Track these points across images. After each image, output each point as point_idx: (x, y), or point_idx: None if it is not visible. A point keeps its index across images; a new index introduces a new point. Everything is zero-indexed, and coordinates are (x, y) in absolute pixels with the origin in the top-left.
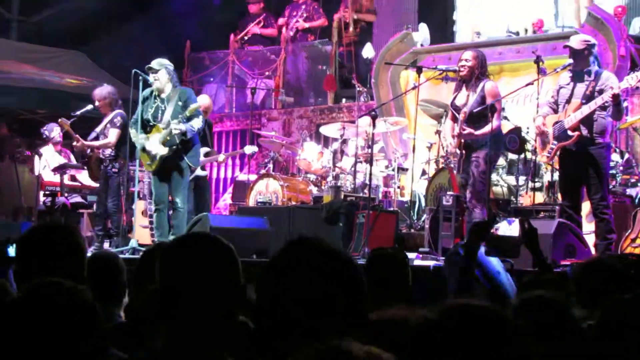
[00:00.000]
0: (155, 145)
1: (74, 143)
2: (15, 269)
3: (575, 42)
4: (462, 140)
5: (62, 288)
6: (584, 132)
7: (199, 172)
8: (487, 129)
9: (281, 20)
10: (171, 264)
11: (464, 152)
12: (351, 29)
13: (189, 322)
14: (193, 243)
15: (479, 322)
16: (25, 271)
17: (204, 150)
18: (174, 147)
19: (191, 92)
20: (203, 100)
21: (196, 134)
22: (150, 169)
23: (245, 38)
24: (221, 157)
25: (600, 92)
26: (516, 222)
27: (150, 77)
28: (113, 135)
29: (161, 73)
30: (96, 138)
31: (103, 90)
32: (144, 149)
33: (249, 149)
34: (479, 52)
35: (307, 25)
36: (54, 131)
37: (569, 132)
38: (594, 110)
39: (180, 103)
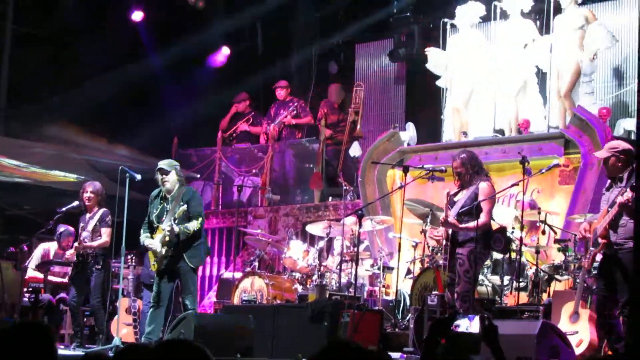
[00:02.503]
0: (156, 245)
1: (75, 244)
2: None
3: (601, 152)
4: (449, 232)
5: None
6: (613, 237)
7: None
8: (471, 224)
9: (265, 121)
10: None
11: (448, 244)
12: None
13: None
14: (173, 351)
15: None
16: None
17: None
18: (173, 247)
19: (193, 191)
20: None
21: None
22: (154, 268)
23: (234, 135)
24: None
25: None
26: (476, 319)
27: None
28: (106, 234)
29: (171, 174)
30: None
31: (96, 186)
32: (147, 249)
33: None
34: (465, 157)
35: (294, 122)
36: (68, 237)
37: (599, 239)
38: (612, 217)
39: (182, 203)
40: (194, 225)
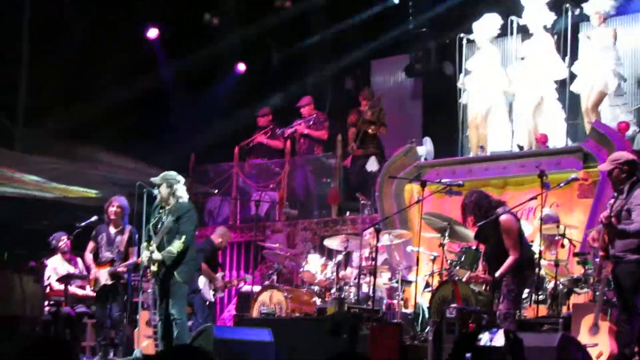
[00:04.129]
0: (147, 257)
1: (111, 268)
2: None
3: (605, 165)
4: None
5: None
6: (612, 251)
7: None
8: (503, 267)
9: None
10: None
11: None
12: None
13: None
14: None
15: None
16: None
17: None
18: (163, 264)
19: (187, 209)
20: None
21: (193, 250)
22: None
23: (250, 145)
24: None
25: (628, 211)
26: (500, 333)
27: (155, 190)
28: (136, 253)
29: (162, 187)
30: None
31: (123, 201)
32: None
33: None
34: (467, 200)
35: (306, 131)
36: (61, 240)
37: (599, 252)
38: (604, 233)
39: (172, 218)
40: (176, 246)
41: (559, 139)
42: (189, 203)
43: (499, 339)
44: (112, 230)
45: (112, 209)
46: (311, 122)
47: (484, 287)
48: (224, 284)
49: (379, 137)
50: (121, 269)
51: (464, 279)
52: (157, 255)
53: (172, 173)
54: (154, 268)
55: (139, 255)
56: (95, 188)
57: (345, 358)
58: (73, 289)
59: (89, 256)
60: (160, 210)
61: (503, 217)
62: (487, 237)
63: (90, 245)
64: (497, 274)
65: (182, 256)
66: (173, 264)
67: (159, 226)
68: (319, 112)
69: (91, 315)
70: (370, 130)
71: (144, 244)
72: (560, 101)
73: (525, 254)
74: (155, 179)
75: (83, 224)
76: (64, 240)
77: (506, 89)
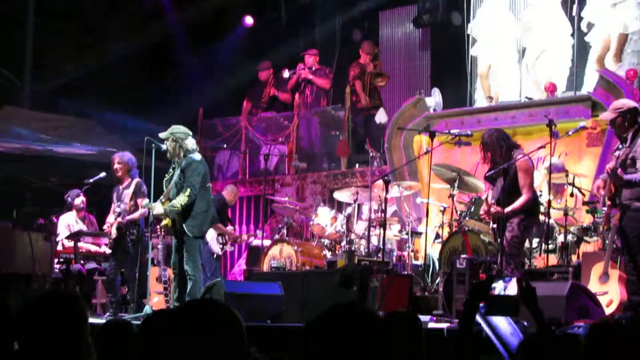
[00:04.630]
0: (159, 210)
1: (119, 219)
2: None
3: (607, 114)
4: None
5: None
6: (620, 198)
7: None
8: (516, 204)
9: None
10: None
11: (495, 225)
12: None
13: None
14: (194, 309)
15: None
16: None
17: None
18: (174, 218)
19: (191, 161)
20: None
21: (203, 202)
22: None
23: (266, 99)
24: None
25: (633, 159)
26: (513, 281)
27: (163, 145)
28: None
29: (169, 141)
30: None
31: (124, 157)
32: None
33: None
34: (489, 138)
35: (310, 77)
36: (77, 198)
37: (606, 200)
38: (609, 182)
39: (179, 172)
40: (180, 200)
41: (567, 88)
42: (197, 156)
43: (512, 288)
44: (121, 187)
45: (114, 167)
46: (314, 69)
47: (492, 237)
48: (233, 239)
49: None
50: (124, 220)
51: (481, 211)
52: (158, 210)
53: (180, 127)
54: (165, 222)
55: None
56: (101, 145)
57: (342, 307)
58: (86, 245)
59: (110, 217)
60: (174, 166)
61: (521, 158)
62: (499, 178)
63: (112, 206)
64: (509, 208)
65: (189, 210)
66: (183, 219)
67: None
68: (324, 66)
69: (102, 272)
70: (380, 83)
71: (159, 200)
72: (569, 50)
73: (535, 200)
74: (162, 134)
75: (91, 180)
76: (79, 197)
77: (516, 37)
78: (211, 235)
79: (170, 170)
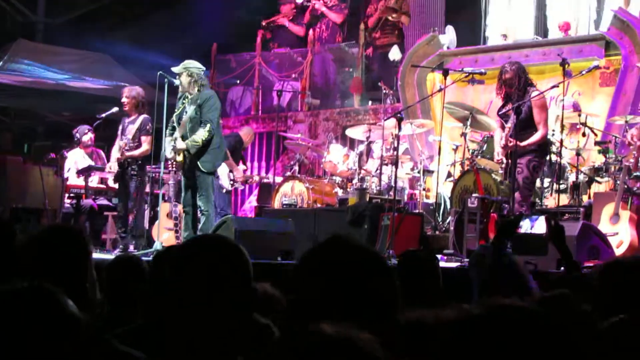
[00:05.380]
0: (170, 147)
1: (118, 155)
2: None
3: None
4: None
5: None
6: None
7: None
8: (533, 139)
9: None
10: (179, 266)
11: (509, 161)
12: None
13: (199, 324)
14: (200, 245)
15: (527, 324)
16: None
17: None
18: (187, 154)
19: (209, 96)
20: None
21: (217, 138)
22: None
23: (272, 25)
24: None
25: None
26: (541, 220)
27: (176, 80)
28: (147, 142)
29: (183, 76)
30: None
31: (132, 91)
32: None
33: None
34: (516, 67)
35: (324, 9)
36: (85, 134)
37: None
38: None
39: (194, 107)
40: (201, 134)
41: (581, 27)
42: (211, 91)
43: (539, 226)
44: (127, 120)
45: (123, 100)
46: (330, 4)
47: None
48: (244, 178)
49: (401, 27)
50: (122, 156)
51: (500, 146)
52: (180, 144)
53: (193, 62)
54: (179, 159)
55: (157, 146)
56: (115, 79)
57: (338, 241)
58: (95, 180)
59: (114, 151)
60: (184, 101)
61: (539, 94)
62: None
63: (116, 139)
64: (524, 142)
65: (206, 145)
66: (197, 154)
67: (183, 116)
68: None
69: (112, 208)
70: (391, 18)
71: (168, 137)
72: None
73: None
74: (175, 69)
75: (103, 115)
76: (87, 134)
77: None
78: (223, 170)
79: (180, 105)
